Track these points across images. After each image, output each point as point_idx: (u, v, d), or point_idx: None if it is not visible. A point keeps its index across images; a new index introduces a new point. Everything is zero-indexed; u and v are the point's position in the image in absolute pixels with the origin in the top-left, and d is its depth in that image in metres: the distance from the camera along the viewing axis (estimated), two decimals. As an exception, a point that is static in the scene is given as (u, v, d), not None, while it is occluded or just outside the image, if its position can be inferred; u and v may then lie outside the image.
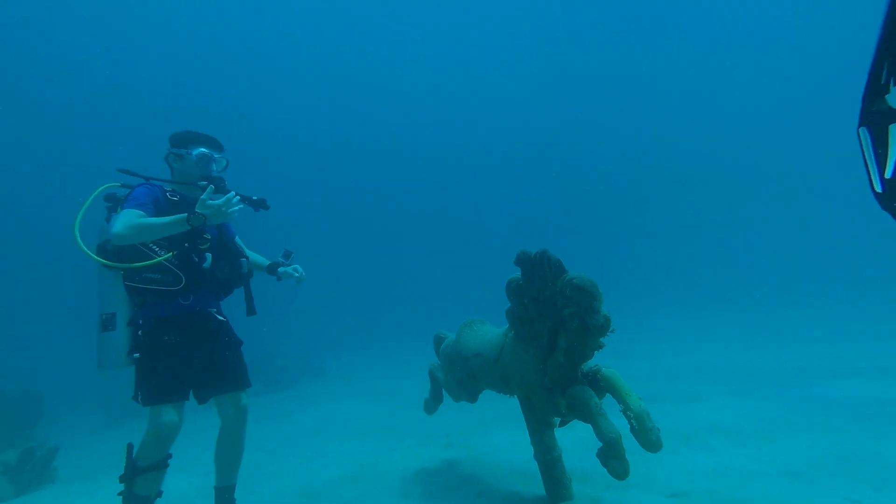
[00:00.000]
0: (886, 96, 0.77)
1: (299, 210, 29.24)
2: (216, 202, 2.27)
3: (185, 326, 2.44)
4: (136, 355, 2.35)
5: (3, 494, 4.52)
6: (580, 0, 27.75)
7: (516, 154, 32.91)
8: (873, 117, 0.78)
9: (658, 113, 31.44)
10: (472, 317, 3.23)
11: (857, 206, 16.15)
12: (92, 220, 2.38)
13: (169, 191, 2.52)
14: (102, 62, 23.14)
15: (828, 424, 3.55)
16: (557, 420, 2.60)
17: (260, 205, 2.69)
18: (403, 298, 26.40)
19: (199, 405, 2.56)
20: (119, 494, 2.30)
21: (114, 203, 2.53)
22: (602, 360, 2.36)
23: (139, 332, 2.37)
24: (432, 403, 3.68)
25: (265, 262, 3.00)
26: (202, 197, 2.25)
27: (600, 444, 2.15)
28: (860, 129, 0.80)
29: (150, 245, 2.34)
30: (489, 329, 3.04)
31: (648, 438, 2.08)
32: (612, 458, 2.12)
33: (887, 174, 0.77)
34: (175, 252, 2.36)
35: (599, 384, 2.32)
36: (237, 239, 2.90)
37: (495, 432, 4.23)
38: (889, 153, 0.76)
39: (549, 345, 2.35)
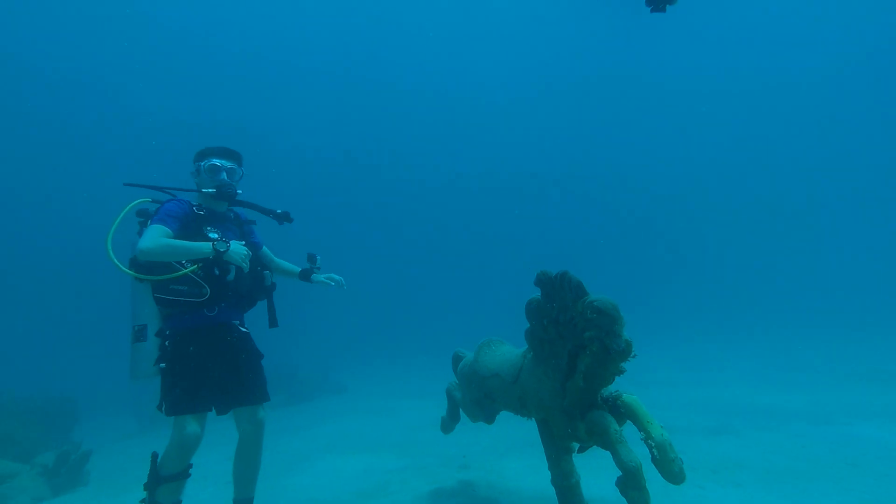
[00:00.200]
0: None
1: (322, 225, 29.78)
2: (241, 251, 2.47)
3: (208, 337, 2.50)
4: (162, 365, 2.42)
5: (41, 494, 4.72)
6: (605, 11, 27.71)
7: (540, 174, 32.84)
8: None
9: (685, 135, 31.07)
10: (490, 336, 3.21)
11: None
12: (127, 233, 2.49)
13: (196, 205, 2.62)
14: (119, 77, 24.21)
15: (867, 467, 3.32)
16: (576, 446, 2.54)
17: (284, 218, 2.78)
18: (423, 317, 26.41)
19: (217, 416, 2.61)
20: (141, 502, 2.36)
21: (146, 218, 2.64)
22: (620, 388, 2.31)
23: (166, 343, 2.45)
24: (449, 423, 3.64)
25: (296, 268, 3.08)
26: (233, 249, 2.44)
27: (619, 473, 2.09)
28: None
29: None
30: (508, 349, 3.02)
31: (671, 469, 2.00)
32: (631, 488, 2.05)
33: None
34: (200, 264, 2.44)
35: (620, 410, 2.26)
36: (265, 248, 2.99)
37: (512, 455, 4.14)
38: None
39: (569, 367, 2.31)
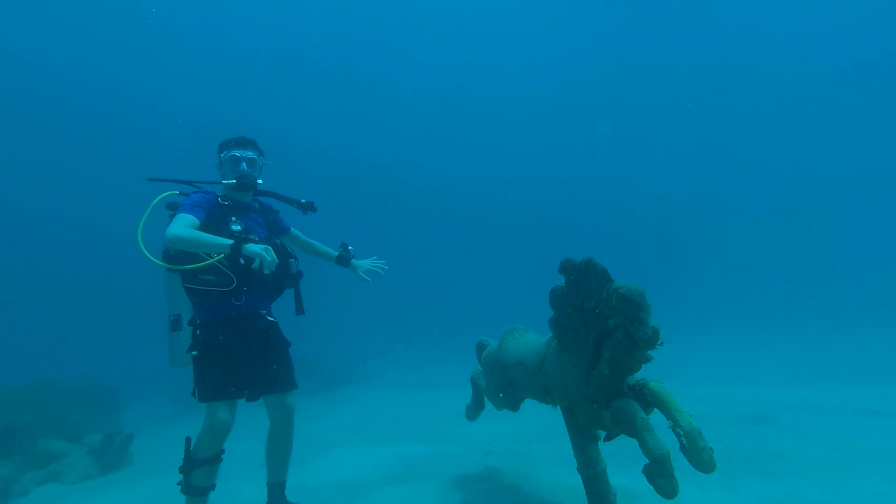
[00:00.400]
0: None
1: (347, 218, 30.18)
2: (261, 251, 2.32)
3: (237, 326, 2.56)
4: (194, 353, 2.51)
5: (89, 472, 5.03)
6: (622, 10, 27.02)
7: (562, 169, 32.48)
8: None
9: (706, 139, 30.27)
10: (514, 325, 3.19)
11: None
12: (159, 226, 2.57)
13: (220, 196, 2.68)
14: (126, 78, 24.94)
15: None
16: (602, 434, 2.51)
17: (308, 207, 2.80)
18: (449, 306, 26.52)
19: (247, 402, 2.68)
20: (178, 484, 2.46)
21: (175, 210, 2.71)
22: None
23: (197, 332, 2.53)
24: (474, 410, 3.66)
25: (333, 252, 3.11)
26: (257, 248, 2.32)
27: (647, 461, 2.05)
28: None
29: None
30: (531, 337, 2.99)
31: (700, 458, 1.95)
32: (659, 476, 2.01)
33: None
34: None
35: (646, 399, 2.21)
36: (293, 230, 3.01)
37: (538, 442, 4.14)
38: None
39: (594, 356, 2.27)
